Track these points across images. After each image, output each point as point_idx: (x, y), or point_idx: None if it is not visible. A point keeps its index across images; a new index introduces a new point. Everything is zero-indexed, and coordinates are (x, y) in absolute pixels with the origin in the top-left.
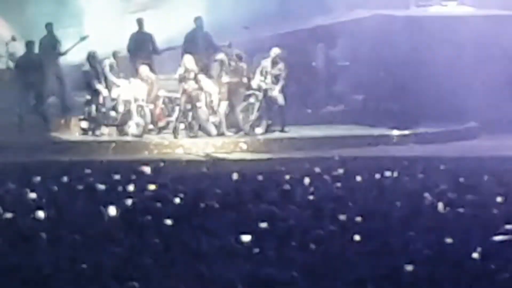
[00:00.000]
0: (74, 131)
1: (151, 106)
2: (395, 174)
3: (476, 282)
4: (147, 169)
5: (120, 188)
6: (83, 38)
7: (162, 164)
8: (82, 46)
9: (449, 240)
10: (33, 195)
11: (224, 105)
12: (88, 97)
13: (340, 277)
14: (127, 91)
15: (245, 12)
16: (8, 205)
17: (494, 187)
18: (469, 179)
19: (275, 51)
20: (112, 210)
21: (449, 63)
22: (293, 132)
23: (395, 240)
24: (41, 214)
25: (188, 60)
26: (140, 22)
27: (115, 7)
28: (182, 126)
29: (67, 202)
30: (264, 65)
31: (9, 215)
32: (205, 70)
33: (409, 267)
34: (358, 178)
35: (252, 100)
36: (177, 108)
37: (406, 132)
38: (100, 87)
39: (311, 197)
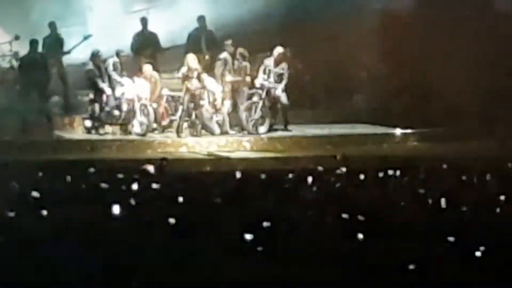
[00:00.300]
0: (77, 130)
1: (155, 105)
2: (398, 172)
3: (479, 280)
4: (150, 168)
5: (123, 187)
6: (86, 37)
7: (165, 163)
8: (86, 45)
9: (451, 239)
10: (36, 194)
11: (227, 104)
12: (92, 96)
13: (343, 276)
14: (131, 90)
15: (248, 11)
16: (11, 204)
17: (497, 186)
18: (472, 178)
19: (278, 50)
20: (116, 209)
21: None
22: (296, 130)
23: (397, 239)
24: (44, 213)
25: (192, 59)
26: (144, 21)
27: (119, 6)
28: (185, 125)
29: (70, 201)
30: (267, 64)
31: (12, 214)
32: (208, 69)
33: (412, 266)
34: (361, 177)
35: (255, 99)
36: (180, 107)
37: (409, 131)
38: (104, 86)
39: (314, 196)
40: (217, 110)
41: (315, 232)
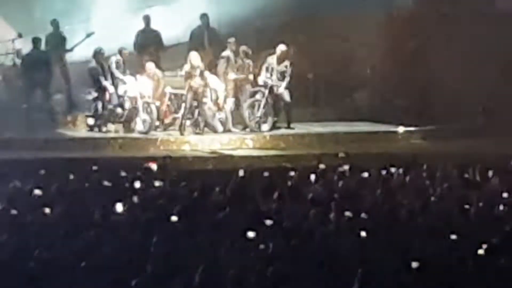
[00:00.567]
0: (80, 128)
1: (158, 103)
2: (401, 170)
3: (481, 279)
4: (153, 166)
5: (126, 185)
6: (89, 35)
7: (168, 160)
8: (89, 43)
9: (454, 237)
10: (39, 192)
11: (230, 101)
12: (95, 94)
13: (346, 273)
14: (134, 88)
15: (251, 9)
16: (14, 202)
17: (499, 183)
18: (475, 175)
19: (281, 47)
20: (118, 207)
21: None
22: (299, 128)
23: (401, 237)
24: (47, 211)
25: (194, 57)
26: (146, 19)
27: (122, 3)
28: (188, 122)
29: (73, 199)
30: (270, 62)
31: (14, 211)
32: (211, 67)
33: (415, 264)
34: (364, 175)
35: (258, 96)
36: (183, 105)
37: (412, 128)
38: (107, 84)
39: (317, 194)
40: (219, 108)
41: (317, 230)
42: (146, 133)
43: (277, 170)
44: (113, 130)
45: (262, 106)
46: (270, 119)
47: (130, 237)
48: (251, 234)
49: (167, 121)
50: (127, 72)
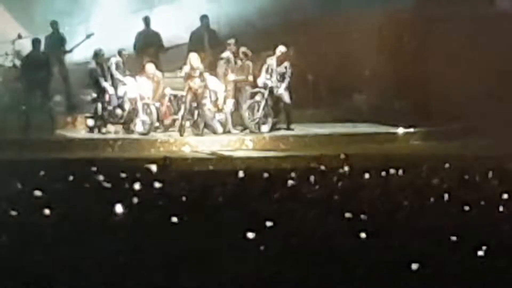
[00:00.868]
0: (80, 129)
1: (157, 104)
2: (401, 171)
3: (481, 280)
4: (153, 167)
5: (126, 186)
6: (88, 36)
7: (168, 162)
8: (88, 44)
9: (454, 238)
10: (38, 193)
11: (230, 103)
12: (94, 95)
13: (346, 275)
14: (133, 89)
15: (251, 10)
16: (14, 203)
17: (498, 184)
18: (474, 176)
19: (281, 49)
20: (118, 208)
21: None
22: (299, 129)
23: (400, 238)
24: (46, 212)
25: (194, 58)
26: (146, 20)
27: (122, 5)
28: (188, 124)
29: (73, 200)
30: (269, 63)
31: (14, 213)
32: (211, 68)
33: (414, 265)
34: (364, 176)
35: (258, 98)
36: (183, 106)
37: (412, 129)
38: (106, 85)
39: (316, 195)
40: (219, 109)
41: (317, 231)
42: (146, 134)
43: (277, 171)
44: (112, 131)
45: (261, 107)
46: (269, 120)
47: (130, 238)
48: (250, 235)
49: (166, 122)
50: (127, 73)
